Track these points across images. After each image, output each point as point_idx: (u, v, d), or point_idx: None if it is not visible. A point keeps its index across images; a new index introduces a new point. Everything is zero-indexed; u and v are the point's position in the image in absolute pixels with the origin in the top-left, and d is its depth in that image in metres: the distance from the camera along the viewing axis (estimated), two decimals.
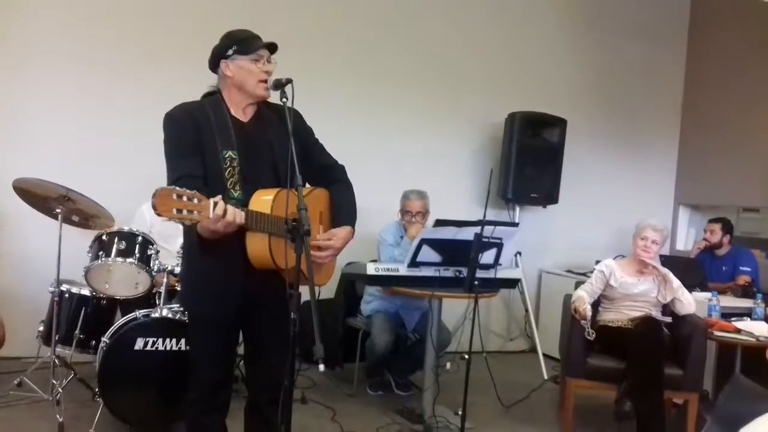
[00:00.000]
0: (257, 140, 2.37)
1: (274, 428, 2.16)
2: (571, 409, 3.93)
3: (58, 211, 3.60)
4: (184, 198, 1.95)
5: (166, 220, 1.96)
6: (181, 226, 3.14)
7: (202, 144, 2.29)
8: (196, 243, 2.26)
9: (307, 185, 2.53)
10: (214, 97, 2.41)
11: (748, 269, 5.10)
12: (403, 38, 5.60)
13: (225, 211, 2.04)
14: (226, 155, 2.28)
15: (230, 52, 2.36)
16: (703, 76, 6.53)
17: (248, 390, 2.65)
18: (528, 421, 4.17)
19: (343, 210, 2.55)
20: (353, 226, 2.53)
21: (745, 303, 4.47)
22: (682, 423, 3.85)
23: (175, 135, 2.31)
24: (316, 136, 2.61)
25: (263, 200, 2.25)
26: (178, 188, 1.96)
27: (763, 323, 3.93)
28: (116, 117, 4.69)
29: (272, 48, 2.41)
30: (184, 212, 1.95)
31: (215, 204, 2.02)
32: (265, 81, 2.35)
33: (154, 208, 1.90)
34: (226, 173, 2.28)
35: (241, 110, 2.40)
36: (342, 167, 2.65)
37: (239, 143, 2.32)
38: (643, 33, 6.43)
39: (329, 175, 2.60)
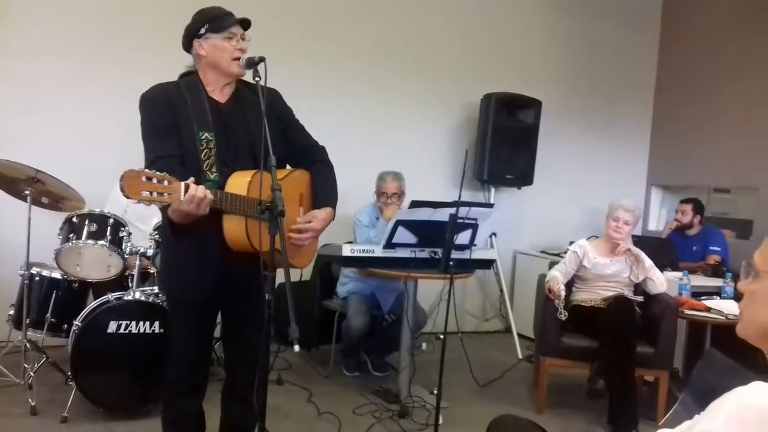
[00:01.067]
0: (234, 121, 2.34)
1: (250, 409, 2.16)
2: (544, 388, 3.99)
3: (27, 192, 3.53)
4: (154, 180, 1.93)
5: (136, 202, 1.95)
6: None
7: (178, 125, 2.26)
8: (168, 226, 2.25)
9: (288, 167, 2.52)
10: (191, 77, 2.37)
11: (718, 249, 5.18)
12: (379, 19, 5.55)
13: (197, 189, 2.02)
14: (203, 137, 2.25)
15: (203, 30, 2.31)
16: (676, 58, 6.58)
17: (225, 371, 2.66)
18: (502, 399, 4.21)
19: (323, 191, 2.54)
20: (334, 208, 2.53)
21: (715, 282, 4.54)
22: (653, 400, 3.92)
23: (151, 116, 2.28)
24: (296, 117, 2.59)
25: (240, 182, 2.23)
26: (147, 170, 1.94)
27: (732, 302, 4.00)
28: (88, 97, 4.61)
29: (246, 25, 2.36)
30: (154, 195, 1.93)
31: (186, 186, 2.01)
32: (239, 58, 2.30)
33: (122, 190, 1.89)
34: (203, 155, 2.25)
35: (218, 90, 2.36)
36: (322, 148, 2.63)
37: (216, 124, 2.29)
38: (617, 14, 6.46)
39: (309, 156, 2.58)
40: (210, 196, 2.06)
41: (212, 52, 2.31)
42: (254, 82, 2.23)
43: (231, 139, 2.32)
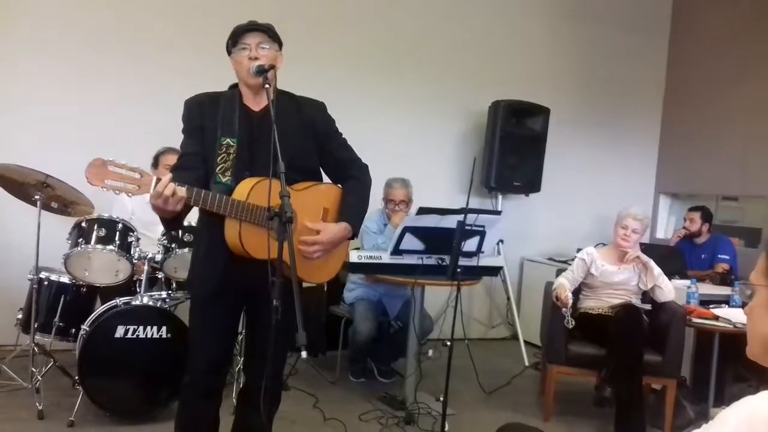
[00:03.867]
0: (263, 130, 2.35)
1: (260, 415, 2.17)
2: (551, 395, 3.98)
3: (36, 197, 3.55)
4: (123, 171, 2.05)
5: (102, 189, 2.05)
6: None
7: (204, 130, 2.37)
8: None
9: (326, 179, 2.57)
10: (235, 89, 2.46)
11: (727, 257, 5.15)
12: (387, 25, 5.57)
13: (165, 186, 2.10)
14: (224, 142, 2.33)
15: (230, 48, 2.42)
16: (685, 64, 6.57)
17: (245, 376, 2.75)
18: (509, 407, 4.20)
19: (345, 207, 2.52)
20: (353, 225, 2.50)
21: (723, 290, 4.53)
22: (660, 408, 3.91)
23: (185, 119, 2.42)
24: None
25: (244, 188, 2.27)
26: (116, 161, 2.05)
27: (740, 310, 3.98)
28: (97, 101, 4.62)
29: (257, 27, 2.39)
30: (120, 184, 2.04)
31: (158, 180, 2.09)
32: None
33: (86, 177, 2.01)
34: (219, 159, 2.32)
35: (251, 99, 2.43)
36: (363, 165, 2.63)
37: (242, 132, 2.36)
38: (626, 21, 6.45)
39: (346, 171, 2.58)
40: (180, 193, 2.12)
41: (235, 67, 2.41)
42: (306, 96, 2.44)
43: (255, 147, 2.35)
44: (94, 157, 2.02)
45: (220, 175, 2.30)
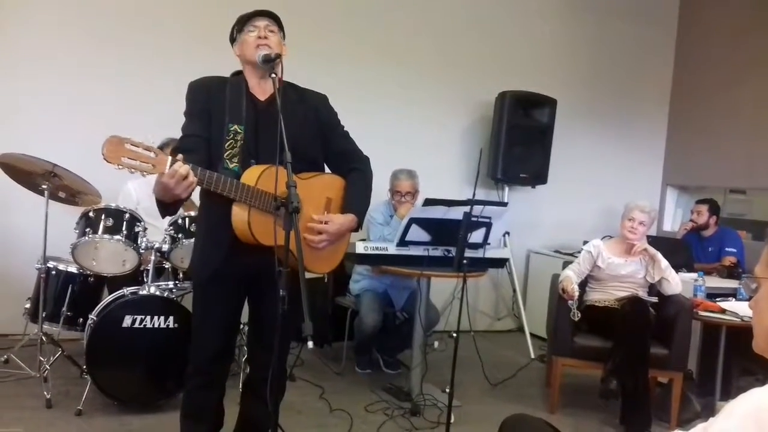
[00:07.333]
0: (269, 117, 2.36)
1: (265, 405, 2.18)
2: (557, 387, 3.98)
3: (44, 187, 3.56)
4: (139, 149, 2.02)
5: (117, 168, 2.00)
6: None
7: (210, 114, 2.36)
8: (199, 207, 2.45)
9: (327, 170, 2.57)
10: (240, 75, 2.46)
11: (734, 250, 5.13)
12: (393, 17, 5.55)
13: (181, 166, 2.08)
14: (232, 128, 2.33)
15: (234, 34, 2.43)
16: (693, 56, 6.52)
17: (249, 366, 2.74)
18: (515, 399, 4.20)
19: (350, 198, 2.55)
20: (359, 216, 2.52)
21: (730, 284, 4.51)
22: (666, 401, 3.90)
23: (189, 101, 2.41)
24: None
25: (252, 175, 2.27)
26: (133, 139, 2.01)
27: (747, 304, 3.96)
28: (104, 91, 4.63)
29: (273, 18, 2.42)
30: (136, 163, 2.01)
31: (174, 161, 2.07)
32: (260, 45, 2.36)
33: (103, 155, 1.97)
34: (226, 145, 2.31)
35: (257, 87, 2.43)
36: (365, 157, 2.64)
37: (249, 119, 2.36)
38: (634, 12, 6.41)
39: (348, 163, 2.59)
40: (192, 177, 2.10)
41: (241, 49, 2.41)
42: (308, 88, 2.43)
43: (262, 135, 2.36)
44: (100, 145, 2.00)
45: (227, 161, 2.30)
